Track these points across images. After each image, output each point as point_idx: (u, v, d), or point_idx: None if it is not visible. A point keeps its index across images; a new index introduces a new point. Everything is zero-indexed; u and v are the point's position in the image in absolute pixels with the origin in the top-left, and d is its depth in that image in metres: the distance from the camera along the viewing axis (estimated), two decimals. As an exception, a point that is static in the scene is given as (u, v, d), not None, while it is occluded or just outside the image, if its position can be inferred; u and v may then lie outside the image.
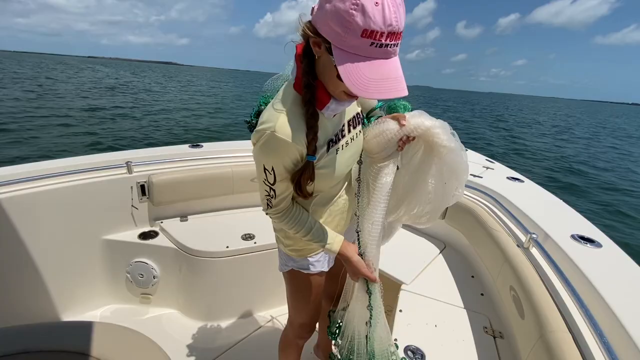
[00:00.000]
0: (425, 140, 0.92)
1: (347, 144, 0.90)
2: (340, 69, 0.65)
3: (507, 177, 1.97)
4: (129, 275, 1.82)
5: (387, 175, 0.95)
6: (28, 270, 1.58)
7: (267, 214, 0.92)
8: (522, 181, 1.95)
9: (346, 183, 1.03)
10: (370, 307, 0.97)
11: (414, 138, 0.91)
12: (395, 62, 0.66)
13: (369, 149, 0.96)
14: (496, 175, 2.00)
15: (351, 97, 0.78)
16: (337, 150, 0.87)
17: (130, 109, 14.12)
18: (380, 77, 0.65)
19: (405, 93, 0.66)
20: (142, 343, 0.99)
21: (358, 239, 0.98)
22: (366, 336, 0.98)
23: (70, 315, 1.75)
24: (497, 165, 2.24)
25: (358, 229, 0.97)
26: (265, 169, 0.81)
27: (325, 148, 0.84)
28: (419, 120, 0.89)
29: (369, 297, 0.97)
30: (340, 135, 0.88)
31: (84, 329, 0.99)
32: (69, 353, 0.92)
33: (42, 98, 15.16)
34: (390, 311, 1.94)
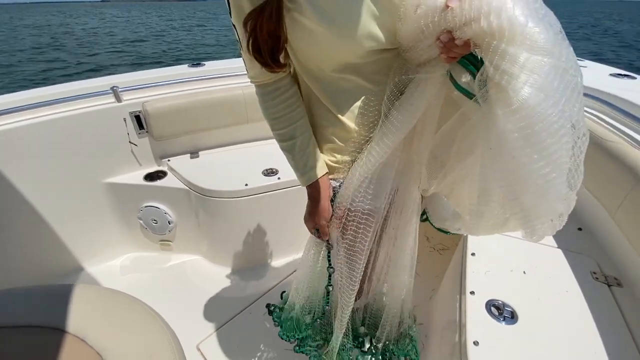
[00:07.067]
0: (487, 58, 0.45)
1: None
2: None
3: (611, 75, 1.45)
4: (141, 222, 1.61)
5: (418, 98, 0.57)
6: (26, 224, 1.38)
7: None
8: (634, 77, 1.42)
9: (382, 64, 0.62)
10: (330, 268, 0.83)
11: (468, 43, 0.46)
12: None
13: (400, 33, 0.55)
14: (594, 74, 1.48)
15: None
16: None
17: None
18: None
19: None
20: (130, 311, 0.74)
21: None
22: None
23: (86, 267, 1.60)
24: (590, 62, 1.68)
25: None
26: None
27: None
28: (481, 2, 0.42)
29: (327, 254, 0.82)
30: None
31: (60, 296, 0.74)
32: (35, 328, 0.69)
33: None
34: (444, 249, 1.65)
